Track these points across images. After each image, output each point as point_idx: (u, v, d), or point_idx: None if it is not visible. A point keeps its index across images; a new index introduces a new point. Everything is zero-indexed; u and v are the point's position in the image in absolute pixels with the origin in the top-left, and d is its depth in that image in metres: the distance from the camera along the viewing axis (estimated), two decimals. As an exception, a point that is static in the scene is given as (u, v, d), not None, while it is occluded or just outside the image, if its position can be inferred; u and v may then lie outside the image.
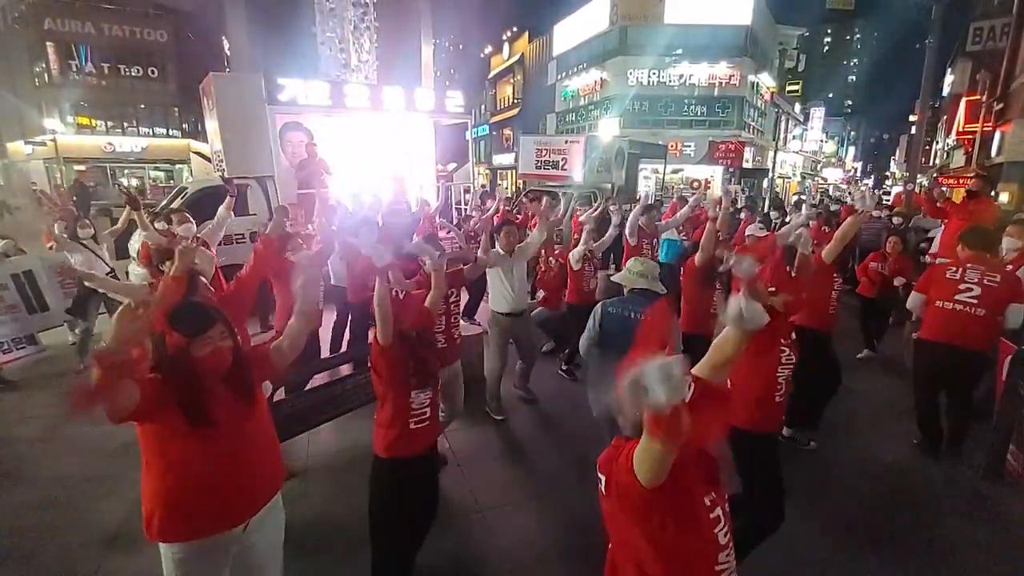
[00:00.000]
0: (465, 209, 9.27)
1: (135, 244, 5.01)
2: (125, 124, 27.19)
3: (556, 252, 5.50)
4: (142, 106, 27.54)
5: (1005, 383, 3.44)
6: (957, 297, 3.35)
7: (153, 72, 27.06)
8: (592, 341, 2.84)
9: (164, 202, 7.88)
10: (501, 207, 6.15)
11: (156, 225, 4.87)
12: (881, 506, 3.23)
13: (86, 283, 3.69)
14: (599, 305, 2.86)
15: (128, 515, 3.07)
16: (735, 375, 2.10)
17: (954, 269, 3.44)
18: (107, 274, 5.15)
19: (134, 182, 27.32)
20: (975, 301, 3.30)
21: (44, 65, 25.23)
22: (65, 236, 5.13)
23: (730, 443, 2.26)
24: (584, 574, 2.68)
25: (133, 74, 26.68)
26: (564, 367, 5.20)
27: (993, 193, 6.34)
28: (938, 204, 5.55)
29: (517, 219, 7.43)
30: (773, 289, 2.36)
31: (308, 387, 3.52)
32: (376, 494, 2.26)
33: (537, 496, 3.33)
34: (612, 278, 2.92)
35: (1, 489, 3.31)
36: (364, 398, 3.45)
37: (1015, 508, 3.19)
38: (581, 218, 7.28)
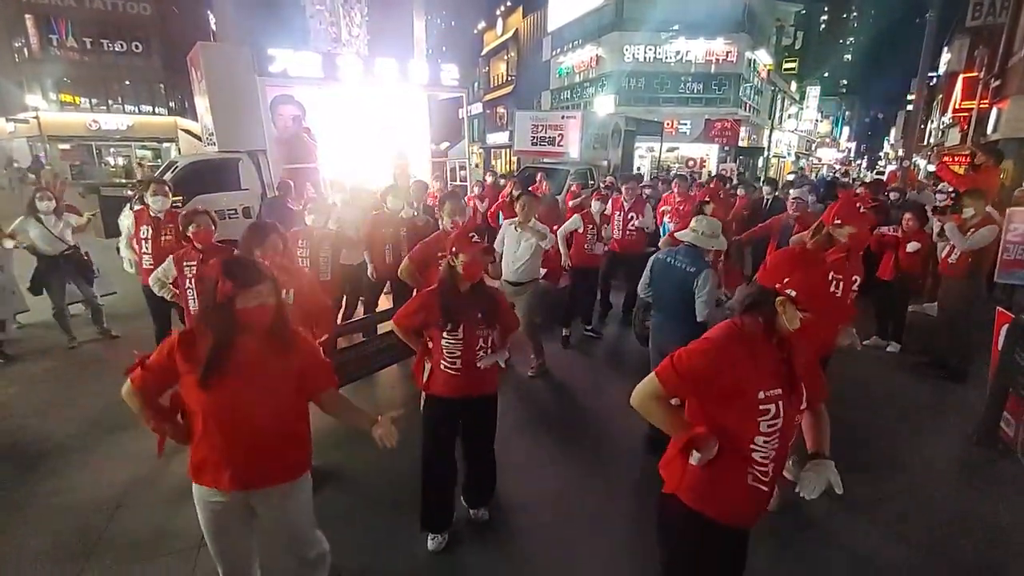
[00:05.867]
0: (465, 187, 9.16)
1: (125, 221, 4.89)
2: (110, 101, 26.48)
3: (554, 229, 5.49)
4: (127, 82, 26.78)
5: (1001, 352, 3.48)
6: None
7: (137, 47, 26.24)
8: (646, 282, 3.36)
9: (155, 176, 7.73)
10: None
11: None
12: (870, 473, 3.27)
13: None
14: (655, 255, 3.34)
15: (131, 479, 3.08)
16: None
17: None
18: (66, 251, 4.93)
19: (120, 161, 26.79)
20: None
21: (24, 40, 24.38)
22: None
23: None
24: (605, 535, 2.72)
25: (116, 49, 25.86)
26: (587, 328, 5.50)
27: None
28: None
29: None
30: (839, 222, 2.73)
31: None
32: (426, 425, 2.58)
33: (551, 462, 3.39)
34: (677, 235, 3.39)
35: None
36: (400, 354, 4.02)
37: (1007, 475, 3.26)
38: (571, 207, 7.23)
